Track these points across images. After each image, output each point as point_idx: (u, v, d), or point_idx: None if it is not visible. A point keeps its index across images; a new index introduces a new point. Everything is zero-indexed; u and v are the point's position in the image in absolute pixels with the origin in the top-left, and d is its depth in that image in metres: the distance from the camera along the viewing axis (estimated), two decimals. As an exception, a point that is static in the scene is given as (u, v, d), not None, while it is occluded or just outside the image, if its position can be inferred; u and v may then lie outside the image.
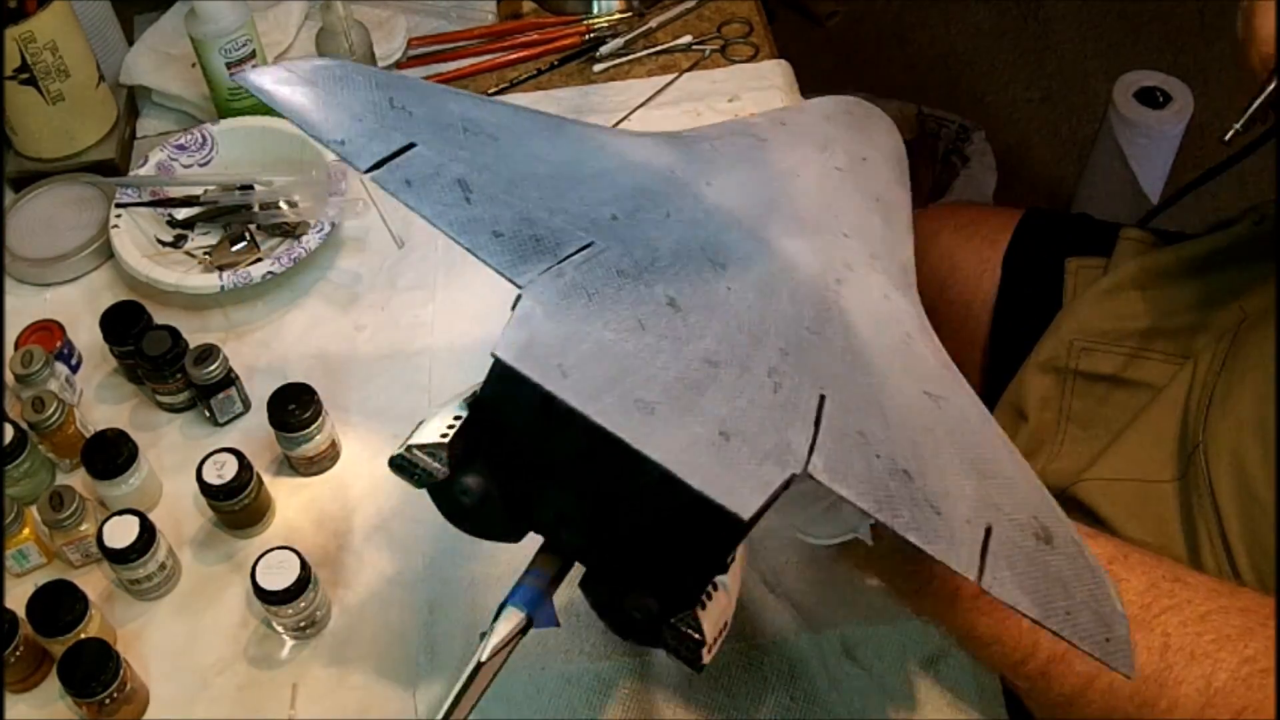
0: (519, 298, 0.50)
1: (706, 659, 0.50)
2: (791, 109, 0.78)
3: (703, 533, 0.48)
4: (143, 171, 1.04)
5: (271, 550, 0.76)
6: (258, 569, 0.75)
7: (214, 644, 0.79)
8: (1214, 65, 2.27)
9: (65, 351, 0.93)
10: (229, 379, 0.88)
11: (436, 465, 0.51)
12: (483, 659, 0.52)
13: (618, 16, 1.23)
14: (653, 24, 1.22)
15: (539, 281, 0.50)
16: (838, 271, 0.59)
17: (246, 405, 0.91)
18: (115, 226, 0.99)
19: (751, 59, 1.19)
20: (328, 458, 0.87)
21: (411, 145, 0.53)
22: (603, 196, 0.56)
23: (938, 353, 0.61)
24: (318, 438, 0.85)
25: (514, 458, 0.51)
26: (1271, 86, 0.74)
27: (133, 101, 1.17)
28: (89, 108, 1.08)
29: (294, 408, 0.83)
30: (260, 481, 0.83)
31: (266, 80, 0.53)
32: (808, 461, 0.46)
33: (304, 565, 0.75)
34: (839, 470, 0.47)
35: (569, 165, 0.57)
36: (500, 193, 0.53)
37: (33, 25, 0.98)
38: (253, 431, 0.90)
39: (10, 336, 0.93)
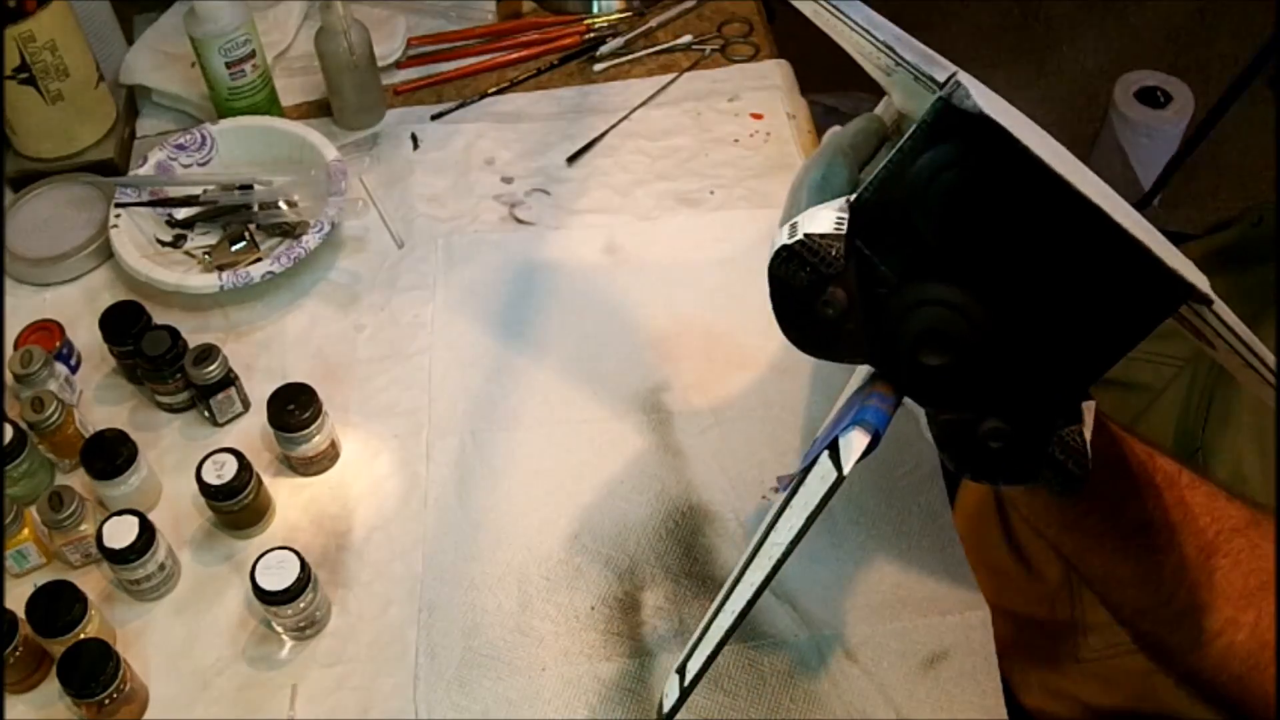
0: (945, 85, 0.45)
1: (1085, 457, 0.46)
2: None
3: (1095, 336, 0.45)
4: (142, 171, 1.04)
5: (271, 550, 0.76)
6: (257, 569, 0.75)
7: (214, 644, 0.79)
8: (1214, 65, 2.27)
9: (65, 351, 0.93)
10: (228, 379, 0.88)
11: (836, 258, 0.46)
12: (844, 474, 0.47)
13: (618, 16, 1.23)
14: (653, 23, 1.22)
15: (959, 79, 0.45)
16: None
17: (246, 405, 0.91)
18: (115, 226, 0.99)
19: (751, 59, 1.19)
20: (327, 458, 0.87)
21: None
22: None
23: None
24: (317, 438, 0.85)
25: (909, 257, 0.47)
26: None
27: (132, 101, 1.17)
28: (88, 107, 1.08)
29: (293, 408, 0.83)
30: (260, 481, 0.83)
31: None
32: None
33: (304, 565, 0.75)
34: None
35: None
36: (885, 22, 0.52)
37: (32, 25, 0.98)
38: (252, 431, 0.90)
39: (10, 336, 0.93)
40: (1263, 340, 0.78)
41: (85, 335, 0.96)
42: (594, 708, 0.75)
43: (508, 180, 1.09)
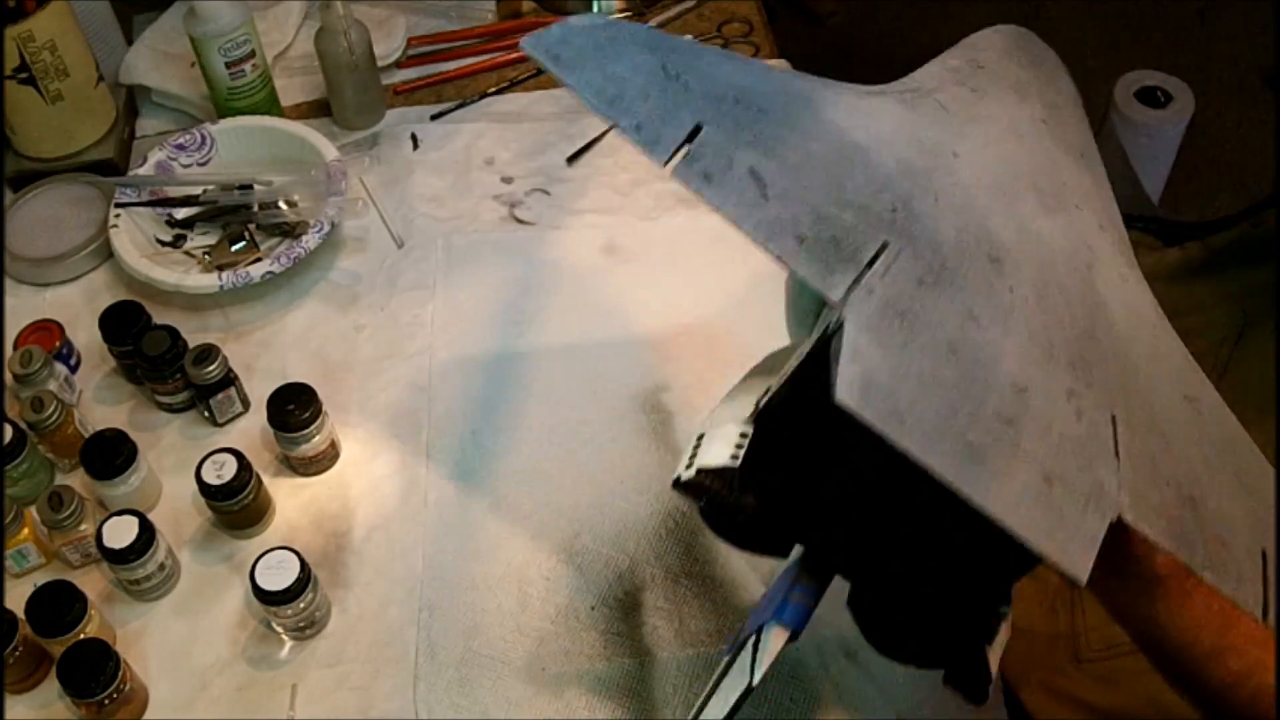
0: (837, 322, 0.46)
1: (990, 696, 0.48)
2: (970, 45, 0.68)
3: (996, 568, 0.46)
4: (142, 171, 1.04)
5: (271, 550, 0.76)
6: (257, 569, 0.75)
7: (213, 644, 0.79)
8: (1214, 65, 2.27)
9: (64, 351, 0.93)
10: (228, 379, 0.88)
11: (727, 491, 0.49)
12: (754, 683, 0.50)
13: (618, 16, 1.23)
14: (653, 23, 1.22)
15: (853, 301, 0.46)
16: (1085, 254, 0.54)
17: (246, 405, 0.91)
18: (114, 226, 0.99)
19: (752, 58, 1.19)
20: (327, 458, 0.87)
21: (699, 128, 0.49)
22: (876, 181, 0.51)
23: (1174, 339, 0.56)
24: (317, 438, 0.85)
25: (799, 480, 0.49)
26: None
27: (132, 101, 1.17)
28: (88, 107, 1.08)
29: (293, 408, 0.83)
30: (260, 481, 0.83)
31: (542, 53, 0.49)
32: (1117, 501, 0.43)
33: (303, 565, 0.75)
34: (1142, 508, 0.44)
35: (835, 141, 0.53)
36: (789, 184, 0.49)
37: (32, 25, 0.98)
38: (252, 431, 0.90)
39: (9, 336, 0.93)
40: (1264, 344, 0.78)
41: (85, 335, 0.96)
42: (594, 708, 0.75)
43: (508, 180, 1.09)
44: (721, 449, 0.50)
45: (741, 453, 0.49)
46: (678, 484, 0.50)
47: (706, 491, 0.50)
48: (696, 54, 0.53)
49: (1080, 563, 0.42)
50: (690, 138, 0.49)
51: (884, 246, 0.48)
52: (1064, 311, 0.50)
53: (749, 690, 0.51)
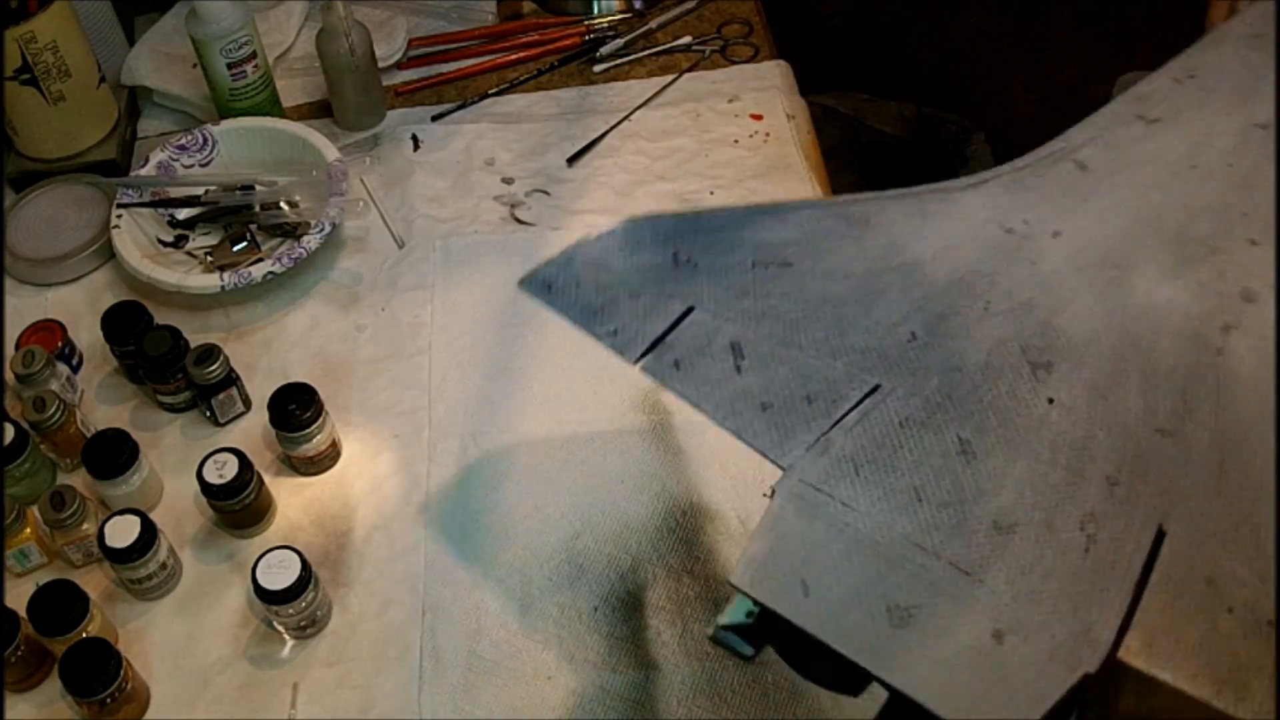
0: (774, 489, 0.47)
1: None
2: (1216, 38, 0.64)
3: None
4: (143, 172, 1.04)
5: (272, 550, 0.76)
6: (258, 568, 0.75)
7: (214, 643, 0.79)
8: (1214, 65, 2.27)
9: (66, 351, 0.93)
10: (230, 379, 0.88)
11: (747, 649, 0.52)
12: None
13: (618, 17, 1.24)
14: (653, 24, 1.22)
15: (801, 463, 0.46)
16: (1230, 311, 0.48)
17: (247, 405, 0.91)
18: (116, 227, 0.99)
19: (751, 59, 1.19)
20: (328, 457, 0.87)
21: (689, 311, 0.51)
22: (905, 307, 0.50)
23: None
24: (318, 438, 0.85)
25: (789, 640, 0.51)
26: None
27: (133, 102, 1.17)
28: (90, 108, 1.08)
29: (294, 408, 0.83)
30: (261, 481, 0.83)
31: (539, 290, 0.53)
32: (1115, 646, 0.40)
33: (304, 565, 0.75)
34: (1164, 649, 0.39)
35: (874, 270, 0.51)
36: (778, 345, 0.50)
37: (34, 26, 0.99)
38: (253, 431, 0.90)
39: (11, 336, 0.93)
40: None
41: (87, 335, 0.96)
42: (599, 717, 0.75)
43: (508, 181, 1.09)
44: (739, 610, 0.51)
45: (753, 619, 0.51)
46: (711, 638, 0.53)
47: (723, 646, 0.52)
48: (728, 225, 0.54)
49: None
50: (675, 325, 0.51)
51: (873, 390, 0.48)
52: (1137, 404, 0.46)
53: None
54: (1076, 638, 0.40)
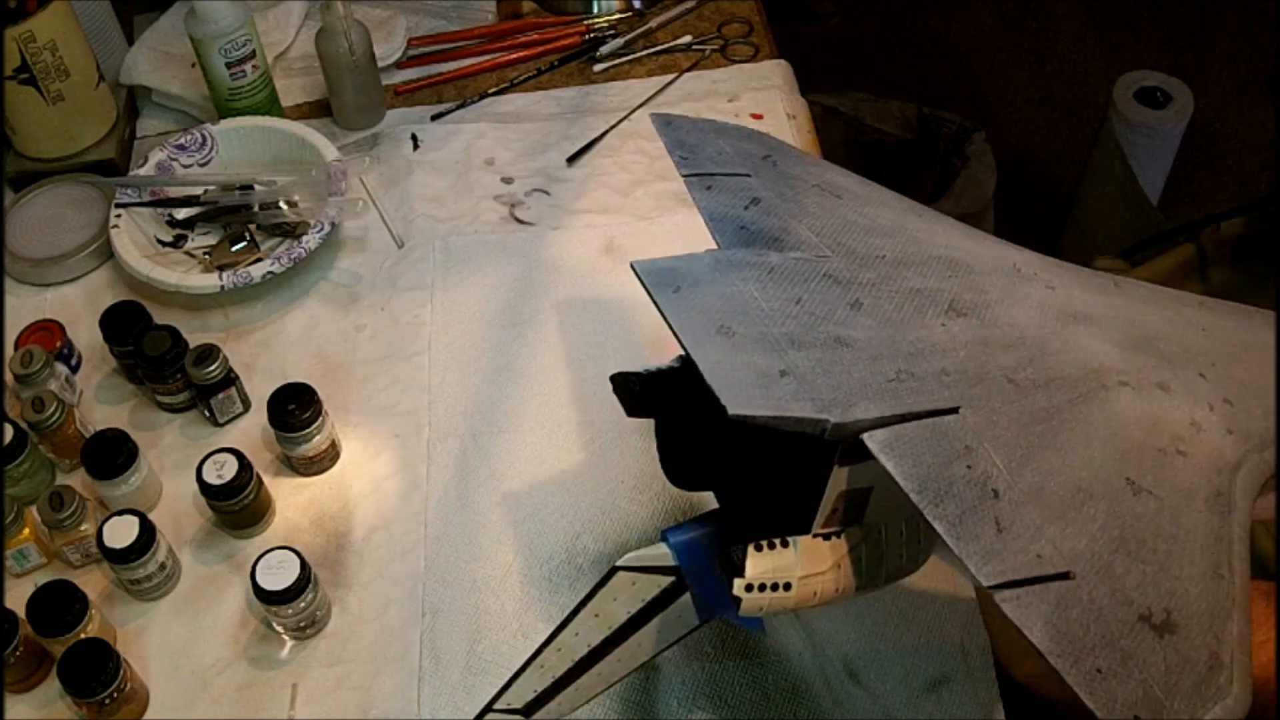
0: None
1: (741, 595, 0.51)
2: None
3: (793, 474, 0.50)
4: (143, 171, 1.04)
5: (271, 550, 0.76)
6: (258, 569, 0.75)
7: (214, 644, 0.79)
8: (1214, 65, 2.27)
9: (65, 351, 0.93)
10: (229, 379, 0.88)
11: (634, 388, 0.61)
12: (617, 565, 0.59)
13: (618, 16, 1.23)
14: (653, 24, 1.22)
15: (734, 243, 0.53)
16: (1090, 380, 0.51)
17: (246, 405, 0.91)
18: (115, 226, 0.99)
19: (751, 59, 1.19)
20: (328, 458, 0.87)
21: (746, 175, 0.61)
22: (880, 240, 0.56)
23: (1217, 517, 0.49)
24: (317, 438, 0.85)
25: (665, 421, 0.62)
26: None
27: (132, 101, 1.17)
28: (89, 108, 1.08)
29: (294, 408, 0.83)
30: (260, 481, 0.83)
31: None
32: (851, 424, 0.44)
33: (304, 565, 0.75)
34: (896, 448, 0.44)
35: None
36: (790, 207, 0.57)
37: (33, 25, 0.98)
38: (252, 431, 0.90)
39: (10, 336, 0.93)
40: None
41: (86, 335, 0.96)
42: (599, 717, 0.75)
43: (508, 180, 1.09)
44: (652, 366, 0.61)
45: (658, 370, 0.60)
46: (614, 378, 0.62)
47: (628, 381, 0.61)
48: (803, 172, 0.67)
49: (739, 398, 0.44)
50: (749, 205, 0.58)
51: (824, 256, 0.54)
52: (1005, 360, 0.51)
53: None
54: (833, 403, 0.45)
